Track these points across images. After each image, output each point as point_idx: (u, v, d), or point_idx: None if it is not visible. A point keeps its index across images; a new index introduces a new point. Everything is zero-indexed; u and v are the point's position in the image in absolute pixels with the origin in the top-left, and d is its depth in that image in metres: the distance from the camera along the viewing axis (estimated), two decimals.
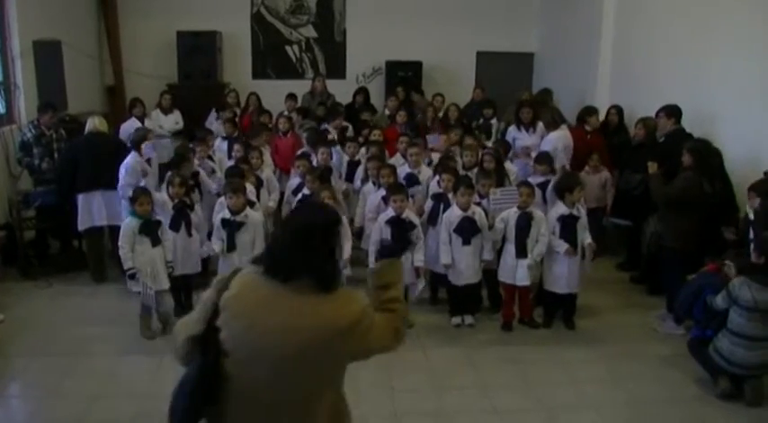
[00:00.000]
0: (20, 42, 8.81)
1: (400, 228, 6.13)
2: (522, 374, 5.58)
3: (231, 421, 2.61)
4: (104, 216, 7.33)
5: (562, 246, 6.20)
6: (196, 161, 7.34)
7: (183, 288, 6.57)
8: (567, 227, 6.22)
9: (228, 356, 2.55)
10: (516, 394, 5.30)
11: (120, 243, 5.99)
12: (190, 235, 6.43)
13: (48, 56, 9.46)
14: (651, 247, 6.75)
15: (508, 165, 7.58)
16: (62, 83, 9.86)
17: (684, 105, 7.29)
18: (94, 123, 7.62)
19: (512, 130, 8.74)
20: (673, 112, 7.26)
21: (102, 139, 7.53)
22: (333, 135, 8.98)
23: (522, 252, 6.18)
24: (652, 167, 6.58)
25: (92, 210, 7.30)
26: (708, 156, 6.32)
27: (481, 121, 9.60)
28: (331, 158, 7.76)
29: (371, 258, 6.23)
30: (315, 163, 7.46)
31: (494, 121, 9.92)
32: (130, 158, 7.01)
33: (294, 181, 7.27)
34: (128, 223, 6.03)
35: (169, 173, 6.70)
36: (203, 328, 2.62)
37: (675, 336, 6.17)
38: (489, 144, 8.64)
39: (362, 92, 11.16)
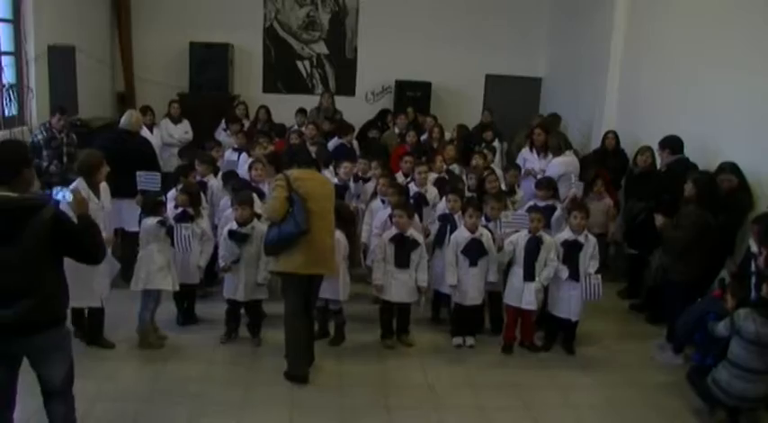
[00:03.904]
0: (35, 46, 8.94)
1: (403, 245, 6.19)
2: (521, 397, 5.59)
3: (313, 227, 5.35)
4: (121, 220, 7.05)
5: (564, 272, 6.25)
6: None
7: (186, 297, 6.60)
8: (569, 252, 6.26)
9: (308, 200, 5.35)
10: (514, 416, 5.31)
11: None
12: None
13: (61, 61, 9.59)
14: (657, 280, 6.75)
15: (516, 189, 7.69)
16: (74, 87, 10.00)
17: (690, 134, 7.34)
18: (130, 121, 7.50)
19: (524, 152, 8.83)
20: (667, 143, 7.32)
21: (128, 140, 7.36)
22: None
23: (530, 275, 6.21)
24: (659, 221, 6.50)
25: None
26: (712, 188, 6.35)
27: (483, 145, 9.65)
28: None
29: (375, 275, 6.29)
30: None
31: (496, 143, 10.00)
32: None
33: None
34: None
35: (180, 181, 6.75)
36: (288, 192, 5.35)
37: (673, 365, 6.19)
38: (494, 165, 8.73)
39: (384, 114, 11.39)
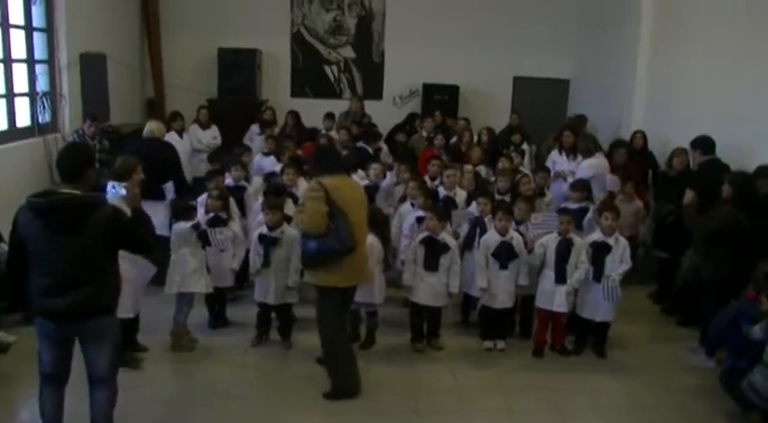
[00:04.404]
0: (67, 54, 9.08)
1: (433, 249, 6.18)
2: (551, 401, 5.57)
3: (355, 234, 5.16)
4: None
5: (591, 273, 6.22)
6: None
7: (218, 300, 6.66)
8: (597, 254, 6.22)
9: (348, 212, 5.11)
10: (544, 420, 5.30)
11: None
12: (221, 250, 6.45)
13: (93, 68, 9.73)
14: (688, 280, 6.67)
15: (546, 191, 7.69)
16: (105, 94, 10.15)
17: (719, 135, 7.24)
18: (151, 129, 7.69)
19: (553, 154, 8.80)
20: (699, 143, 7.24)
21: (154, 147, 7.52)
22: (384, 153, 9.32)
23: (561, 278, 6.17)
24: (688, 197, 6.50)
25: None
26: (749, 189, 6.26)
27: (511, 148, 9.64)
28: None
29: (405, 275, 6.32)
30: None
31: (525, 146, 9.96)
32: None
33: None
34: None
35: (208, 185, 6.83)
36: (327, 206, 5.05)
37: (705, 368, 6.12)
38: (523, 167, 8.70)
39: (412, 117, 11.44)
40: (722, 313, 5.57)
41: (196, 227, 6.06)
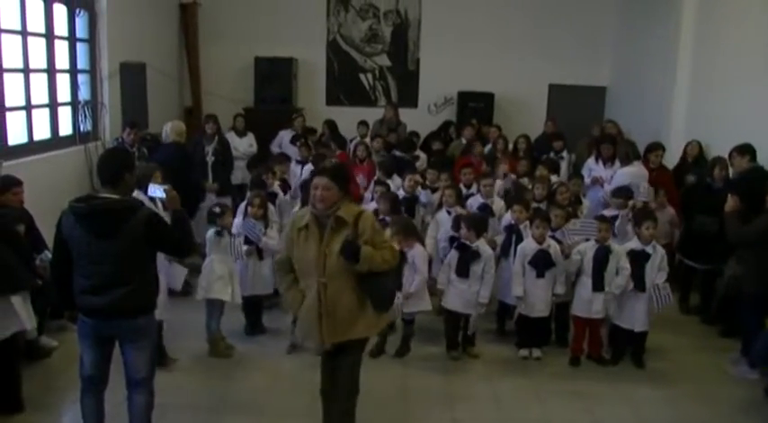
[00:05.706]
0: (108, 64, 9.27)
1: (465, 255, 6.16)
2: (589, 410, 5.51)
3: None
4: None
5: (630, 282, 6.14)
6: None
7: (254, 308, 6.70)
8: (636, 263, 6.14)
9: None
10: None
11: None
12: (261, 258, 6.55)
13: (133, 77, 9.91)
14: (730, 291, 6.53)
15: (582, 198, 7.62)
16: (145, 103, 10.31)
17: (763, 142, 7.13)
18: (167, 134, 7.85)
19: (590, 162, 8.72)
20: (747, 150, 7.11)
21: (171, 153, 7.63)
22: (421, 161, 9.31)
23: (598, 286, 6.13)
24: (730, 203, 6.27)
25: None
26: None
27: (552, 154, 9.56)
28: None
29: (440, 279, 6.33)
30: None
31: (564, 153, 9.88)
32: None
33: (370, 205, 7.31)
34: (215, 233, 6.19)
35: (249, 193, 6.88)
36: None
37: (748, 380, 6.00)
38: (555, 178, 8.60)
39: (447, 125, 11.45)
40: (766, 335, 5.42)
41: (220, 232, 6.13)
